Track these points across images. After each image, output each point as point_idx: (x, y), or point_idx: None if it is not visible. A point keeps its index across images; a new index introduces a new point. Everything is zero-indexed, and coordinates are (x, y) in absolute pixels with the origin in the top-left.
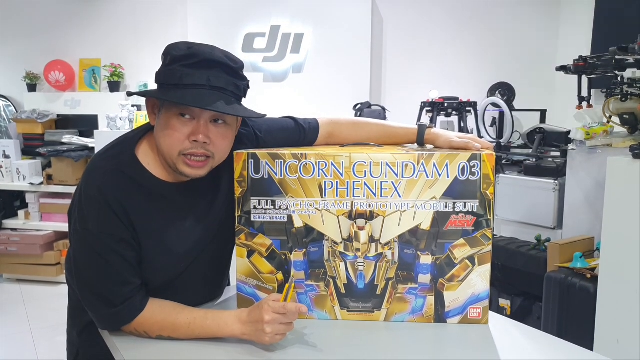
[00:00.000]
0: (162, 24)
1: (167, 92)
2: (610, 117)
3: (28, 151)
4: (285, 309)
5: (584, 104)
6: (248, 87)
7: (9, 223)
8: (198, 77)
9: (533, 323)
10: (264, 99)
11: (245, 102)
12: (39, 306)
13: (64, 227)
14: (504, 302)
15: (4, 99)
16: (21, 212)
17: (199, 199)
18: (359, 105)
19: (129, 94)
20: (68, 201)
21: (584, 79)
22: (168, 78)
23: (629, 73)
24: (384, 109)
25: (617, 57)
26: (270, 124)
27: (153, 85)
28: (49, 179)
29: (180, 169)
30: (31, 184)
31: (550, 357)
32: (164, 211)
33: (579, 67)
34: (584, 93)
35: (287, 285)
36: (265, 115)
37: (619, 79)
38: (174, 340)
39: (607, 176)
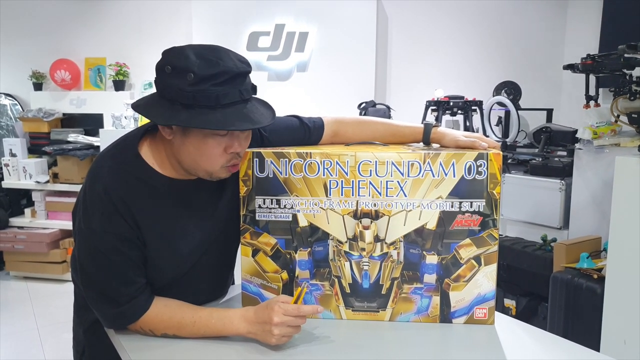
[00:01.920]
0: (167, 23)
1: (206, 116)
2: (618, 116)
3: (34, 150)
4: (300, 311)
5: (592, 102)
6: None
7: (15, 221)
8: (232, 95)
9: (538, 323)
10: (269, 98)
11: None
12: (45, 303)
13: (69, 225)
14: (509, 303)
15: (11, 98)
16: (27, 210)
17: (204, 198)
18: (363, 104)
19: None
20: (74, 199)
21: (592, 77)
22: (201, 99)
23: (637, 71)
24: (388, 107)
25: (625, 55)
26: (274, 123)
27: None
28: (55, 177)
29: (217, 175)
30: (37, 182)
31: (557, 358)
32: (169, 210)
33: (587, 66)
34: (592, 92)
35: (299, 289)
36: (274, 111)
37: (627, 77)
38: (179, 338)
39: (614, 176)
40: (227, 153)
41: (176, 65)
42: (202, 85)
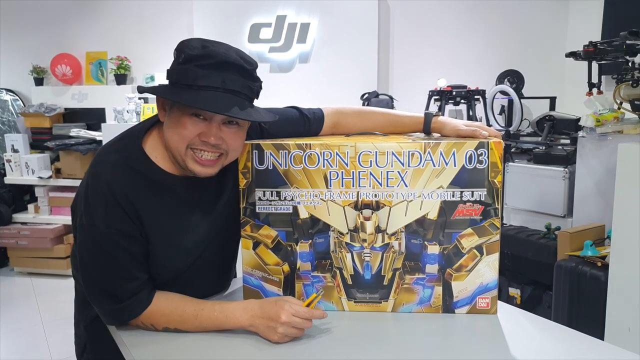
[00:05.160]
0: (168, 16)
1: (180, 93)
2: (621, 103)
3: (36, 145)
4: (311, 314)
5: (594, 90)
6: (261, 88)
7: (19, 217)
8: (212, 79)
9: (543, 312)
10: (271, 90)
11: None
12: (49, 299)
13: None
14: (514, 291)
15: (12, 93)
16: (31, 206)
17: (205, 193)
18: (366, 95)
19: (140, 90)
20: None
21: (594, 65)
22: (181, 77)
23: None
24: (391, 98)
25: (628, 42)
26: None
27: (160, 78)
28: (58, 172)
29: (189, 167)
30: (40, 177)
31: (559, 346)
32: (172, 205)
33: (589, 53)
34: (594, 79)
35: (314, 294)
36: (277, 117)
37: (630, 64)
38: (181, 332)
39: (617, 163)
40: (199, 140)
41: (179, 49)
42: (187, 64)
